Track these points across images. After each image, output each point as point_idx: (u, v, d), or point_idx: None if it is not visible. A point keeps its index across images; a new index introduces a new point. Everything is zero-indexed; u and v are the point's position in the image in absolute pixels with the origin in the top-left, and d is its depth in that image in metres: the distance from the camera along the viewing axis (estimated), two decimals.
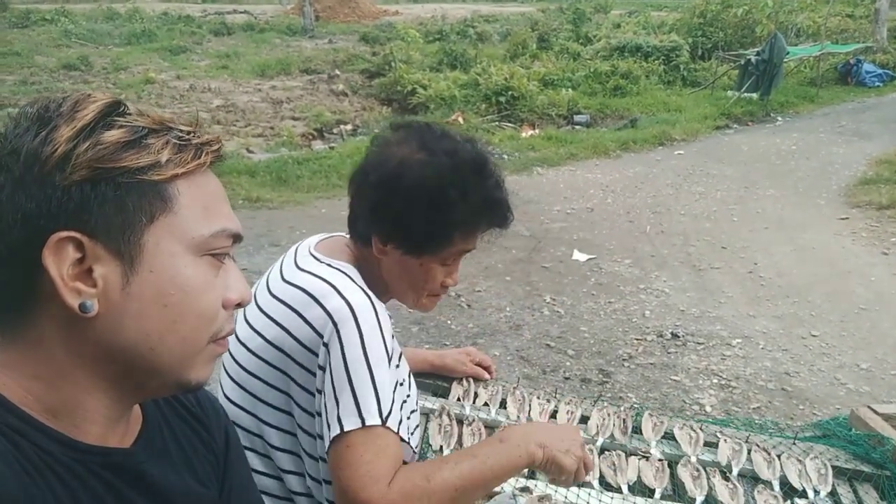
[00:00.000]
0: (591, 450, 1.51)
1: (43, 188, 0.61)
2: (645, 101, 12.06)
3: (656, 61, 13.94)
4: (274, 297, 1.22)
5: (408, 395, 1.31)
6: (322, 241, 1.33)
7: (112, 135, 0.63)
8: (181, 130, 0.68)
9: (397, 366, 1.23)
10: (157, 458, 0.76)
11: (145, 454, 0.74)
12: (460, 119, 10.50)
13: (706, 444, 1.57)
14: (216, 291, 0.70)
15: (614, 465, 1.49)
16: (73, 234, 0.61)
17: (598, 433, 1.58)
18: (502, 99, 11.24)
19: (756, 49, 12.55)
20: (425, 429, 1.58)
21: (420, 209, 1.18)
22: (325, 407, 1.12)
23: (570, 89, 12.17)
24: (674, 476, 1.49)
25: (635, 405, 1.71)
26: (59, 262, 0.61)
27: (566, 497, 1.40)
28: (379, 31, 20.28)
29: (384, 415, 1.11)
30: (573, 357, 4.14)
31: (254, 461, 1.27)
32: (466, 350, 1.79)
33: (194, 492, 0.79)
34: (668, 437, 1.60)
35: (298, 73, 14.72)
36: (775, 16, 14.57)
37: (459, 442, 1.54)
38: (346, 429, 1.09)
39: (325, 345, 1.14)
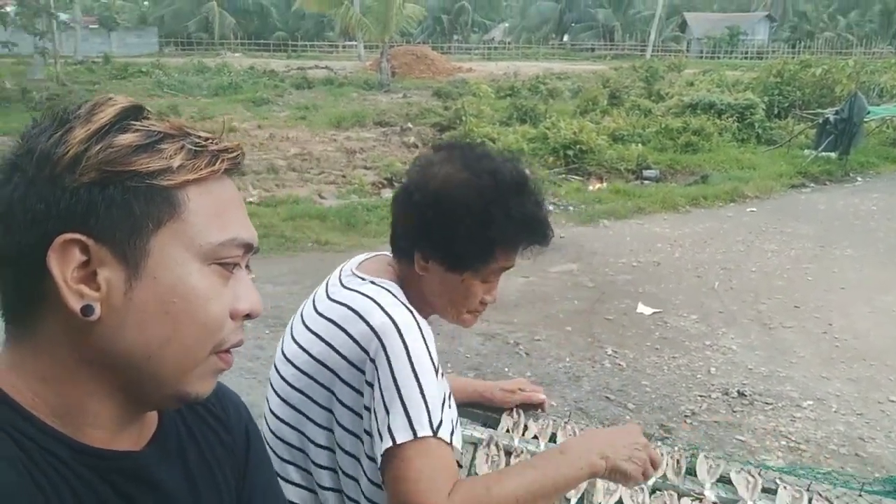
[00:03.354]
0: (641, 489, 1.47)
1: (53, 189, 0.60)
2: (717, 158, 11.88)
3: (730, 118, 13.77)
4: (319, 314, 1.25)
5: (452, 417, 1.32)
6: (365, 260, 1.36)
7: (125, 138, 0.62)
8: (199, 137, 0.67)
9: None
10: (171, 460, 0.75)
11: (157, 457, 0.73)
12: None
13: (764, 489, 1.50)
14: (222, 301, 0.67)
15: None
16: (78, 236, 0.61)
17: None
18: (570, 152, 11.28)
19: (835, 108, 12.25)
20: (472, 458, 1.58)
21: (463, 227, 1.20)
22: (377, 422, 1.13)
23: (639, 144, 12.13)
24: None
25: (690, 446, 1.66)
26: (63, 264, 0.60)
27: None
28: (452, 86, 20.83)
29: (435, 426, 1.11)
30: (633, 411, 4.03)
31: (293, 474, 1.29)
32: (518, 381, 1.78)
33: (208, 494, 0.78)
34: (724, 480, 1.54)
35: (372, 125, 15.19)
36: (856, 76, 14.24)
37: None
38: (398, 441, 1.09)
39: (372, 360, 1.15)
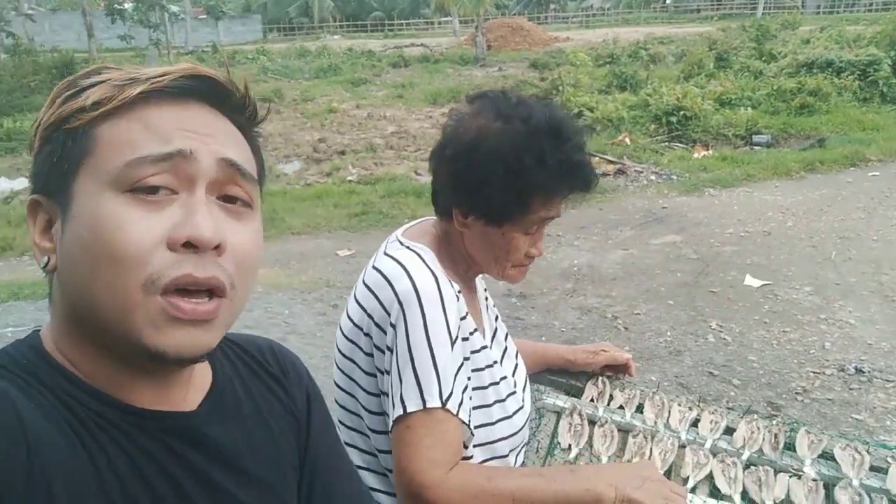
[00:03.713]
0: (734, 463, 1.40)
1: (32, 161, 0.67)
2: (835, 120, 11.07)
3: (850, 77, 12.75)
4: (363, 282, 1.26)
5: (503, 378, 1.31)
6: (411, 226, 1.36)
7: (62, 95, 0.65)
8: (138, 73, 0.65)
9: (469, 350, 1.24)
10: (226, 420, 0.75)
11: (210, 417, 0.73)
12: (627, 139, 10.25)
13: (873, 468, 1.39)
14: (138, 229, 0.61)
15: (760, 480, 1.36)
16: (36, 197, 0.66)
17: (744, 446, 1.46)
18: (673, 119, 10.83)
19: None
20: (555, 427, 1.55)
21: (497, 177, 1.17)
22: (391, 387, 1.15)
23: (749, 108, 11.46)
24: (829, 499, 1.33)
25: (790, 421, 1.55)
26: (31, 225, 0.66)
27: None
28: (548, 57, 20.38)
29: (444, 397, 1.11)
30: (739, 387, 3.84)
31: (357, 440, 1.32)
32: (601, 344, 1.73)
33: (265, 451, 0.78)
34: (827, 457, 1.44)
35: None
36: None
37: (590, 443, 1.49)
38: (408, 410, 1.10)
39: (392, 325, 1.16)
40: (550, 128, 1.19)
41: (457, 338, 1.18)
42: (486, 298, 1.47)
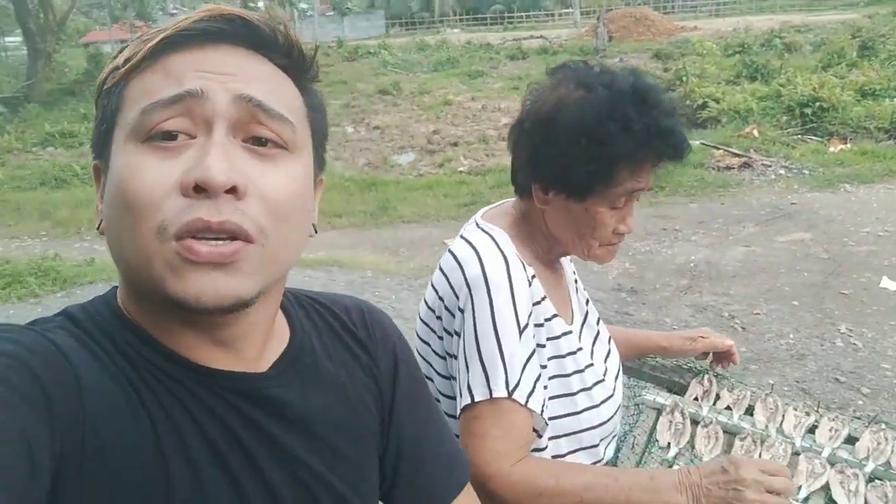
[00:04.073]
0: (855, 475, 1.26)
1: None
2: None
3: None
4: (439, 265, 1.22)
5: (588, 366, 1.24)
6: (491, 208, 1.31)
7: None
8: (172, 23, 0.64)
9: (540, 342, 1.17)
10: (298, 382, 0.72)
11: (280, 379, 0.71)
12: (755, 132, 9.67)
13: None
14: (151, 175, 0.59)
15: (887, 497, 1.22)
16: (95, 162, 0.67)
17: (868, 457, 1.31)
18: (807, 111, 10.11)
19: None
20: (654, 424, 1.46)
21: (578, 147, 1.09)
22: (458, 373, 1.12)
23: (895, 100, 10.51)
24: None
25: None
26: (96, 188, 0.67)
27: None
28: (673, 47, 19.58)
29: (511, 387, 1.07)
30: (868, 396, 3.52)
31: None
32: (700, 330, 1.60)
33: (339, 416, 0.75)
34: None
35: None
36: None
37: (691, 443, 1.39)
38: (475, 399, 1.07)
39: (461, 310, 1.13)
40: (636, 91, 1.11)
41: (527, 325, 1.12)
42: (576, 281, 1.39)
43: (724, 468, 1.07)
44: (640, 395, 1.54)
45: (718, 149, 9.05)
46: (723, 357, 1.60)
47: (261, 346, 0.71)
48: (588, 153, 1.09)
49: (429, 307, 1.24)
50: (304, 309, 0.81)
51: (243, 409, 0.67)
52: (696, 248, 5.94)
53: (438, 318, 1.20)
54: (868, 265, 5.27)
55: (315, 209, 0.74)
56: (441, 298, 1.18)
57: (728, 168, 8.39)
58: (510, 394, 1.07)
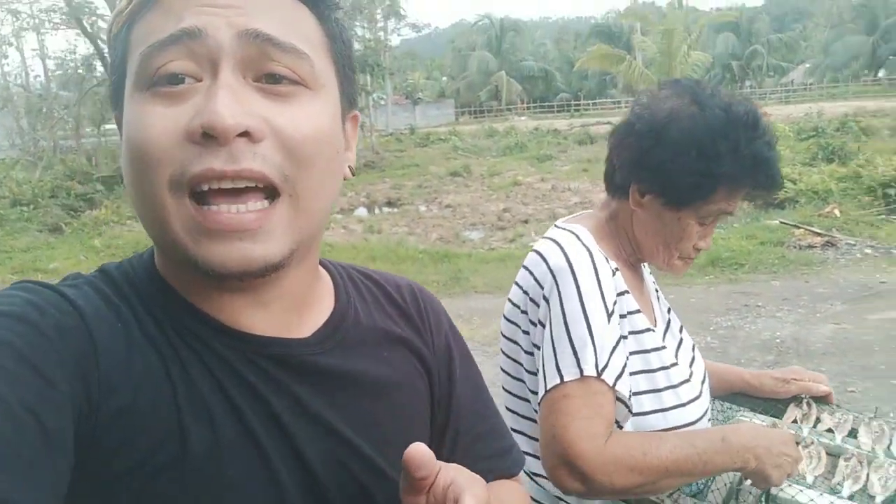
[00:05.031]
0: None
1: None
2: None
3: None
4: (523, 265, 1.26)
5: (673, 364, 1.24)
6: (569, 217, 1.35)
7: None
8: None
9: (625, 334, 1.19)
10: (337, 351, 0.69)
11: (319, 347, 0.68)
12: (836, 211, 9.43)
13: None
14: (157, 123, 0.55)
15: None
16: (114, 113, 0.65)
17: None
18: (891, 191, 9.82)
19: None
20: None
21: (687, 158, 1.14)
22: (544, 359, 1.13)
23: None
24: None
25: None
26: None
27: None
28: None
29: (600, 367, 1.09)
30: None
31: (524, 426, 1.30)
32: (792, 369, 1.56)
33: (377, 389, 0.71)
34: None
35: None
36: None
37: None
38: (565, 378, 1.09)
39: (546, 298, 1.16)
40: (749, 119, 1.17)
41: (613, 311, 1.14)
42: (656, 290, 1.41)
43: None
44: (734, 418, 1.51)
45: (799, 227, 8.85)
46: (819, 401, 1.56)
47: (300, 309, 0.68)
48: (695, 166, 1.15)
49: (513, 304, 1.27)
50: (352, 282, 0.79)
51: (273, 373, 0.63)
52: (782, 325, 5.75)
53: (523, 312, 1.23)
54: None
55: (351, 150, 0.69)
56: (525, 292, 1.22)
57: (810, 247, 8.17)
58: (599, 374, 1.09)
